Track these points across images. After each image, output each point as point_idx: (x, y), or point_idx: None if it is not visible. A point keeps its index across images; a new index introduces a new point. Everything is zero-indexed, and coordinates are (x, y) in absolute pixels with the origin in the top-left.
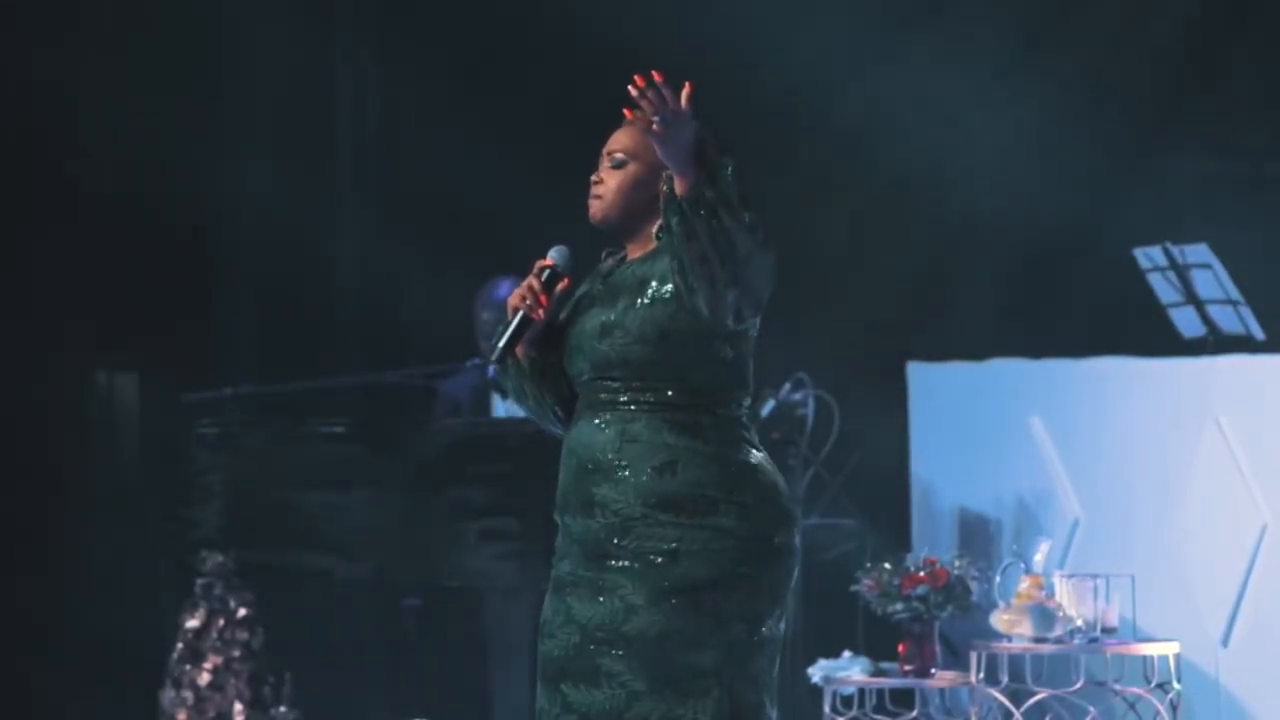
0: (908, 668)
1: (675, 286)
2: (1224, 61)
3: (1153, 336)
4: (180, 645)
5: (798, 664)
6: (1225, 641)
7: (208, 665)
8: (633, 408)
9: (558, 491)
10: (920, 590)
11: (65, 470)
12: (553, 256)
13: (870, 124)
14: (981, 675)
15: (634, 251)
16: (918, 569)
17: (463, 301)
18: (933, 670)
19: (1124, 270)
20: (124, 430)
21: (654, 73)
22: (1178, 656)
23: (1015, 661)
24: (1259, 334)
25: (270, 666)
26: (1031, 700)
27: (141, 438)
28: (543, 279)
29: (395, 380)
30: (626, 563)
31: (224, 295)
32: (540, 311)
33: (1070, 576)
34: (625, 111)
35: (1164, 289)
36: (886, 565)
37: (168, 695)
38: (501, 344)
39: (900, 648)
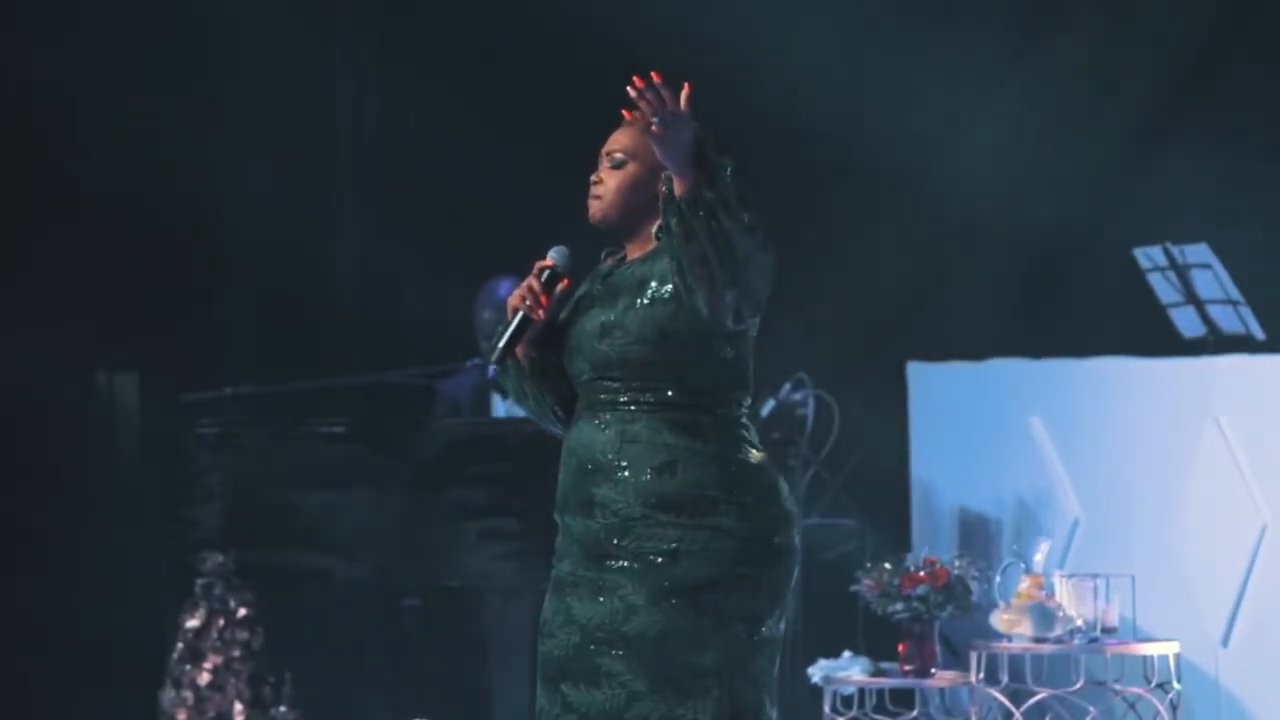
0: (908, 668)
1: (675, 287)
2: (1224, 61)
3: (1153, 336)
4: (180, 645)
5: (798, 664)
6: (1225, 641)
7: (208, 665)
8: (633, 408)
9: (558, 491)
10: (920, 590)
11: (65, 470)
12: (553, 257)
13: (870, 124)
14: (981, 675)
15: (634, 252)
16: (918, 569)
17: (463, 301)
18: (933, 670)
19: (1124, 270)
20: (124, 430)
21: (653, 74)
22: (1178, 656)
23: (1015, 661)
24: (1259, 334)
25: (270, 666)
26: (1031, 700)
27: (141, 438)
28: (543, 279)
29: (395, 380)
30: (626, 563)
31: (224, 295)
32: (540, 312)
33: (1070, 576)
34: (624, 112)
35: (1164, 289)
36: (886, 565)
37: (168, 695)
38: (501, 344)
39: (900, 648)
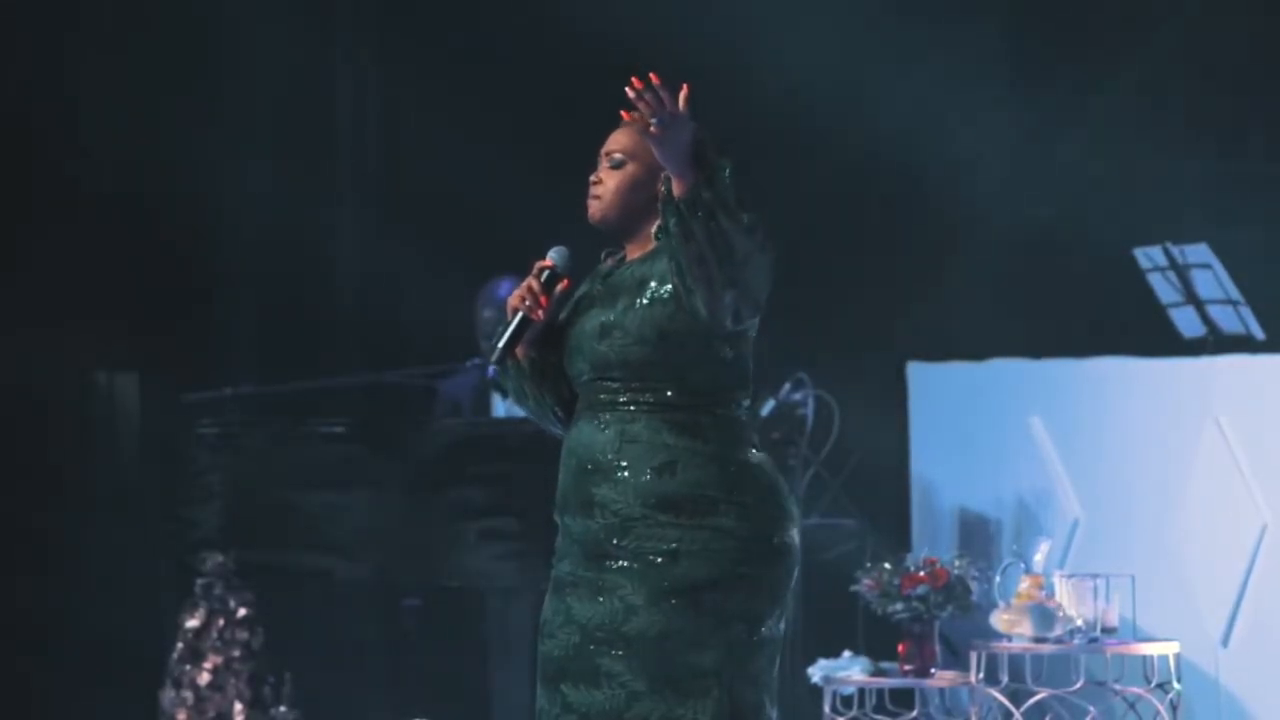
0: (908, 668)
1: (674, 287)
2: (1225, 61)
3: (1153, 336)
4: (180, 645)
5: (798, 664)
6: (1225, 641)
7: (208, 665)
8: (632, 408)
9: (557, 492)
10: (920, 590)
11: (65, 470)
12: (552, 257)
13: (870, 124)
14: (981, 675)
15: (633, 252)
16: (918, 569)
17: (463, 301)
18: (933, 670)
19: (1124, 270)
20: (124, 430)
21: (651, 75)
22: (1178, 656)
23: (1015, 661)
24: (1259, 334)
25: (270, 666)
26: (1031, 700)
27: (141, 438)
28: (542, 279)
29: (395, 380)
30: (626, 563)
31: (224, 295)
32: (540, 312)
33: (1070, 576)
34: (623, 114)
35: (1164, 289)
36: (886, 565)
37: (168, 695)
38: (501, 344)
39: (900, 648)
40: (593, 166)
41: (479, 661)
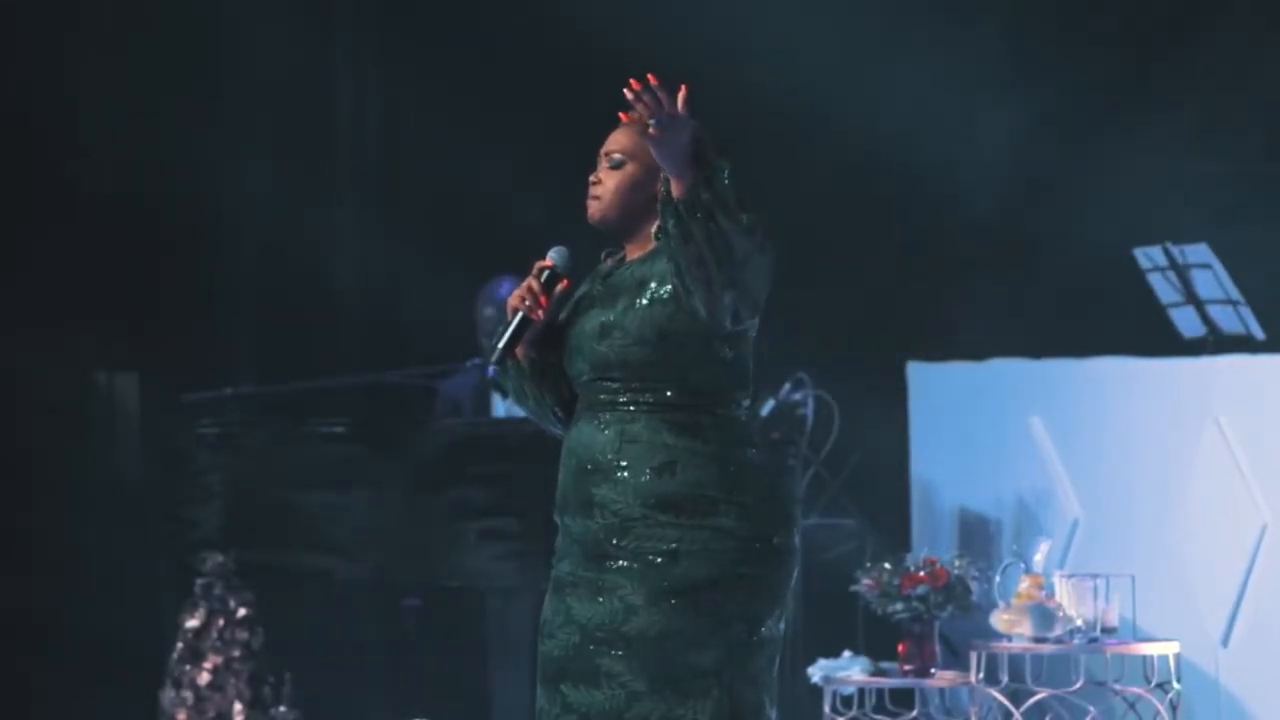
0: (908, 668)
1: (674, 287)
2: (1225, 61)
3: (1153, 336)
4: (180, 645)
5: (798, 664)
6: (1225, 641)
7: (208, 665)
8: (632, 408)
9: (557, 492)
10: (920, 590)
11: (65, 470)
12: (552, 257)
13: (870, 124)
14: (981, 675)
15: (633, 252)
16: (918, 569)
17: (463, 301)
18: (933, 670)
19: (1124, 270)
20: (124, 430)
21: (649, 76)
22: (1178, 656)
23: (1015, 661)
24: (1259, 334)
25: (270, 666)
26: (1031, 700)
27: (141, 438)
28: (542, 280)
29: (395, 380)
30: (626, 563)
31: (224, 295)
32: (540, 312)
33: (1070, 576)
34: (621, 115)
35: (1164, 289)
36: (886, 565)
37: (168, 695)
38: (501, 345)
39: (900, 648)
40: (592, 167)
41: (479, 661)
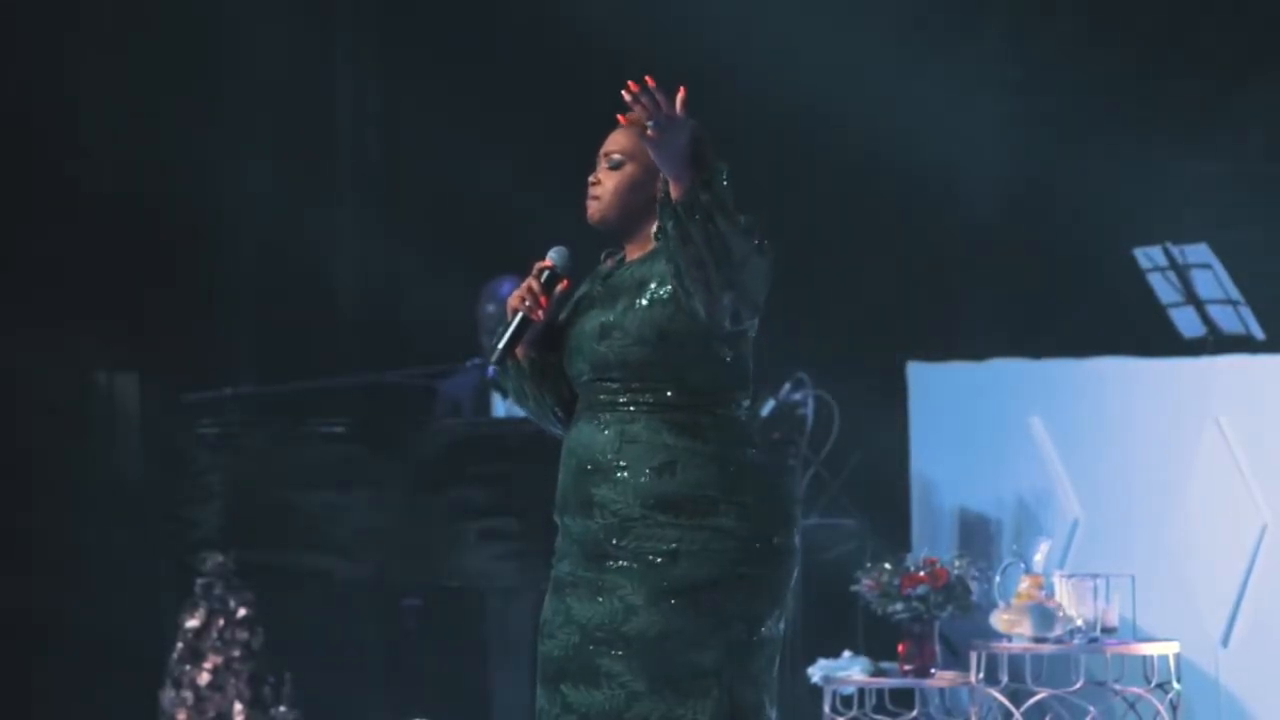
0: (908, 668)
1: (673, 288)
2: (1225, 62)
3: (1153, 336)
4: (180, 645)
5: (798, 664)
6: (1225, 641)
7: (208, 665)
8: (632, 409)
9: (557, 492)
10: (920, 590)
11: (65, 470)
12: (552, 257)
13: (870, 124)
14: (981, 675)
15: (633, 252)
16: (918, 569)
17: (463, 301)
18: (933, 670)
19: (1124, 270)
20: (124, 430)
21: (647, 78)
22: (1178, 656)
23: (1015, 661)
24: (1259, 334)
25: (270, 666)
26: (1031, 700)
27: (141, 438)
28: (542, 280)
29: (395, 380)
30: (626, 563)
31: (224, 295)
32: (540, 312)
33: (1070, 576)
34: (619, 117)
35: (1164, 289)
36: (886, 565)
37: (168, 695)
38: (501, 345)
39: (900, 648)
40: (592, 167)
41: (479, 661)
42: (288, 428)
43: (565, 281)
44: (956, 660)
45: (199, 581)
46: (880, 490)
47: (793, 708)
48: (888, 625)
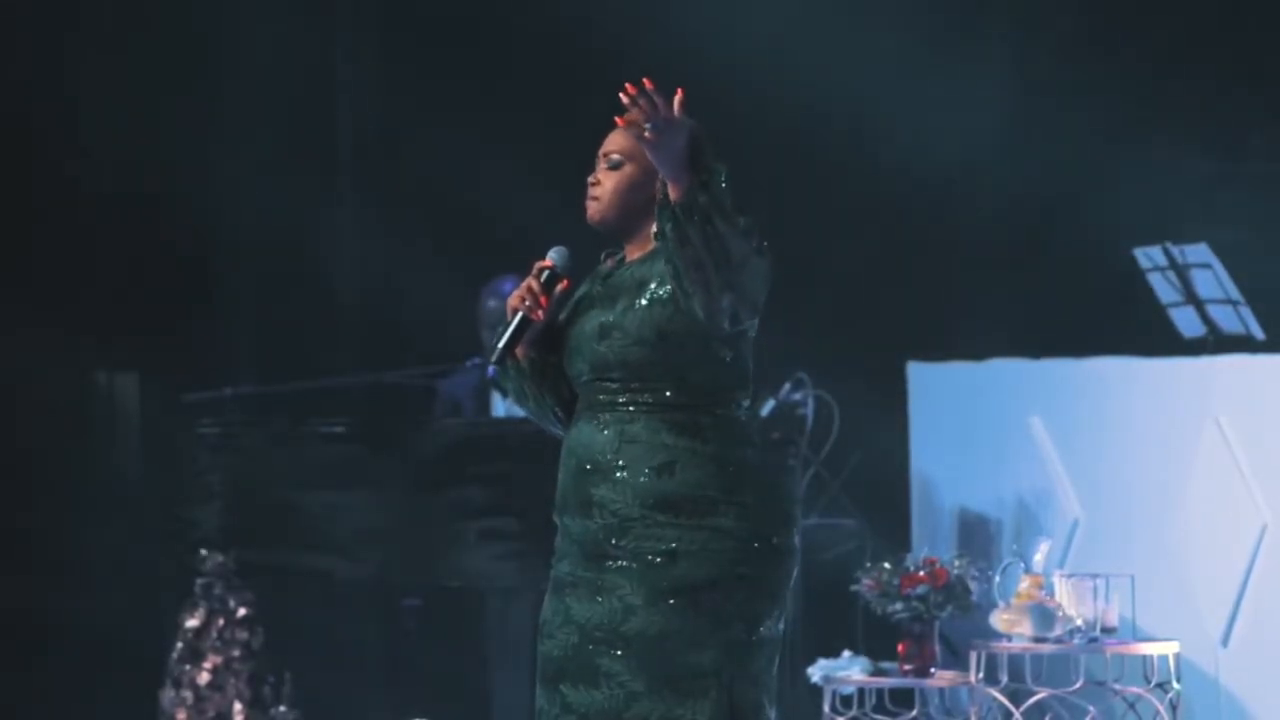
0: (907, 667)
1: (673, 288)
2: (1225, 62)
3: (1153, 336)
4: (180, 645)
5: (798, 664)
6: (1225, 641)
7: (208, 665)
8: (631, 409)
9: (557, 492)
10: (920, 590)
11: (65, 470)
12: (552, 257)
13: (870, 124)
14: (981, 675)
15: (633, 252)
16: (918, 569)
17: (463, 301)
18: (932, 670)
19: (1124, 270)
20: (124, 430)
21: (645, 80)
22: (1178, 656)
23: (1015, 661)
24: (1259, 334)
25: (270, 666)
26: (1031, 700)
27: (141, 438)
28: (542, 280)
29: (395, 380)
30: (625, 563)
31: (224, 295)
32: (540, 312)
33: (1070, 576)
34: (617, 120)
35: (1164, 289)
36: (886, 565)
37: (168, 695)
38: (501, 345)
39: (900, 647)
40: (592, 167)
41: (479, 661)
42: (288, 428)
43: (565, 281)
44: (956, 660)
45: (199, 581)
46: (880, 490)
47: (793, 708)
48: (888, 625)
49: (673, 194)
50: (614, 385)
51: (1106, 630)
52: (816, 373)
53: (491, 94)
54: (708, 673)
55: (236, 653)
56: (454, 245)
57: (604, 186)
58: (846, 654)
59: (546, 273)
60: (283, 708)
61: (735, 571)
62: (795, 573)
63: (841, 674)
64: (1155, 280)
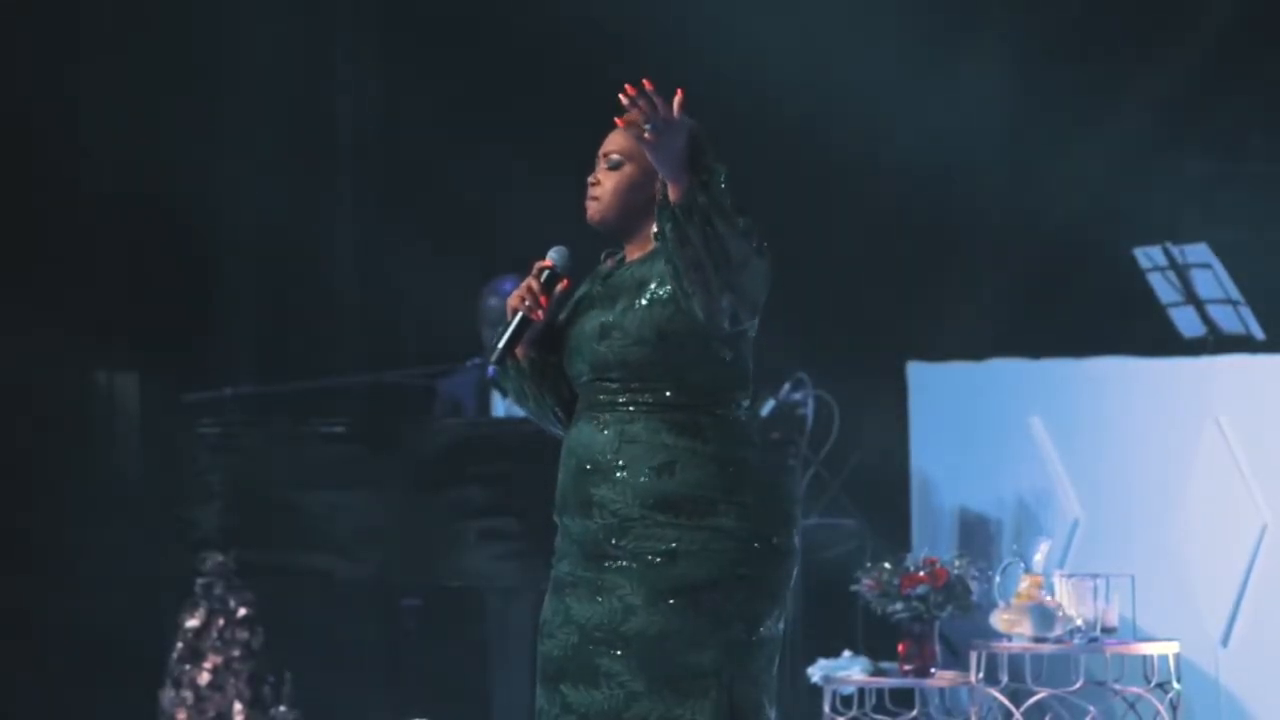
0: (907, 667)
1: (673, 288)
2: (1225, 62)
3: (1153, 336)
4: (180, 645)
5: (798, 664)
6: (1225, 641)
7: (208, 665)
8: (631, 409)
9: (557, 492)
10: (920, 590)
11: (65, 470)
12: (552, 257)
13: (870, 124)
14: (981, 675)
15: (633, 252)
16: (918, 569)
17: (463, 301)
18: (932, 670)
19: (1124, 270)
20: (124, 430)
21: (644, 80)
22: (1178, 656)
23: (1015, 661)
24: (1259, 334)
25: (270, 666)
26: (1031, 700)
27: (141, 438)
28: (542, 280)
29: (395, 380)
30: (625, 563)
31: (224, 295)
32: (540, 312)
33: (1070, 576)
34: (617, 120)
35: (1164, 289)
36: (886, 565)
37: (168, 695)
38: (501, 345)
39: (900, 647)
40: (592, 167)
41: (479, 661)
42: (288, 428)
43: (565, 281)
44: (956, 660)
45: (199, 581)
46: (880, 490)
47: (793, 708)
48: (888, 625)
49: (672, 194)
50: (614, 385)
51: (1106, 630)
52: (816, 373)
53: (492, 94)
54: (708, 673)
55: (236, 653)
56: (454, 245)
57: (604, 186)
58: (846, 654)
59: (546, 273)
60: (283, 708)
61: (735, 571)
62: (795, 573)
63: (841, 674)
64: (1155, 280)
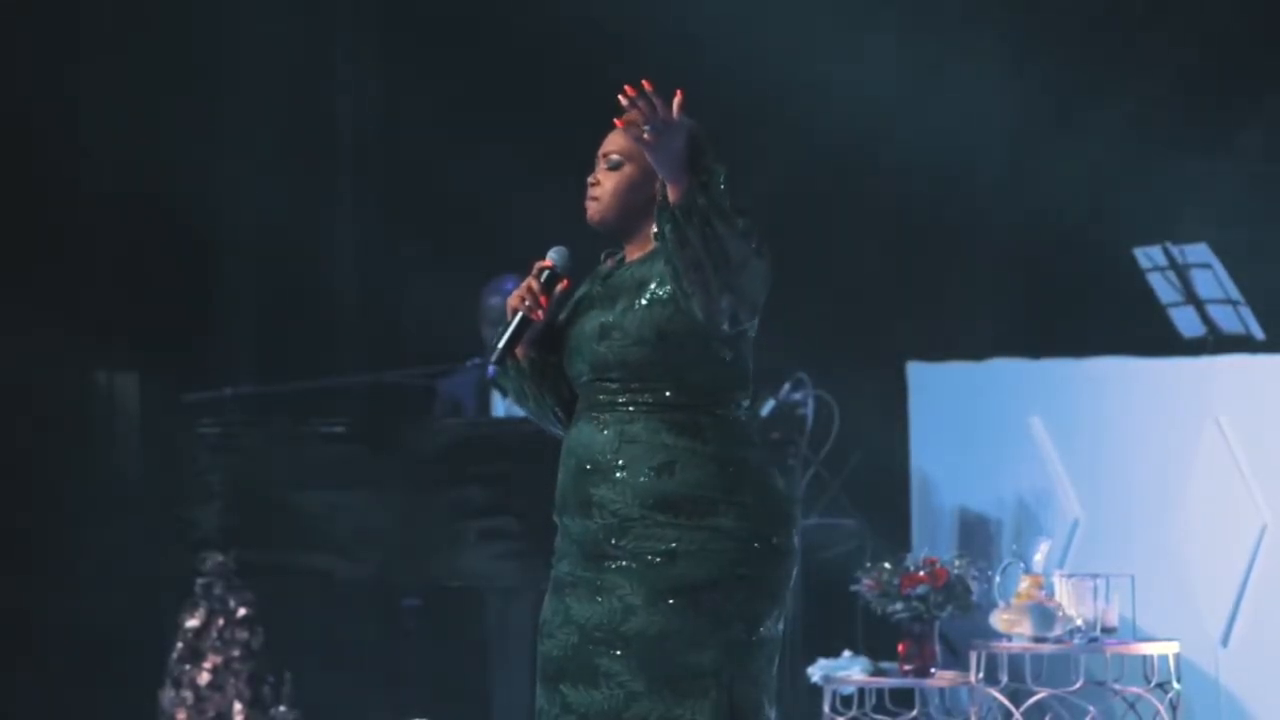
0: (907, 667)
1: (673, 288)
2: (1224, 62)
3: (1153, 336)
4: (180, 645)
5: (798, 664)
6: (1225, 641)
7: (208, 665)
8: (631, 409)
9: (557, 492)
10: (920, 590)
11: (65, 470)
12: (552, 257)
13: (870, 124)
14: (981, 675)
15: (633, 253)
16: (918, 569)
17: (463, 301)
18: (932, 670)
19: (1124, 270)
20: (124, 430)
21: (644, 81)
22: (1177, 656)
23: (1015, 661)
24: (1259, 334)
25: (270, 666)
26: (1031, 700)
27: (141, 438)
28: (542, 280)
29: (395, 380)
30: (625, 563)
31: (224, 295)
32: (539, 312)
33: (1070, 576)
34: (616, 121)
35: (1164, 289)
36: (886, 565)
37: (168, 695)
38: (501, 345)
39: (900, 647)
40: (592, 167)
41: (479, 661)
42: (288, 428)
43: (565, 281)
44: (956, 660)
45: (199, 581)
46: (880, 490)
47: (793, 708)
48: (888, 625)
49: (672, 195)
50: (614, 385)
51: (1106, 630)
52: (816, 373)
53: (491, 94)
54: (707, 673)
55: (236, 653)
56: (454, 245)
57: (603, 187)
58: (846, 654)
59: (546, 273)
60: (283, 708)
61: (735, 571)
62: (795, 573)
63: (841, 674)
64: (1155, 280)
